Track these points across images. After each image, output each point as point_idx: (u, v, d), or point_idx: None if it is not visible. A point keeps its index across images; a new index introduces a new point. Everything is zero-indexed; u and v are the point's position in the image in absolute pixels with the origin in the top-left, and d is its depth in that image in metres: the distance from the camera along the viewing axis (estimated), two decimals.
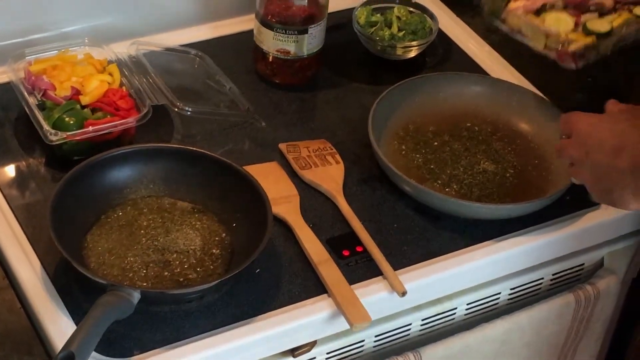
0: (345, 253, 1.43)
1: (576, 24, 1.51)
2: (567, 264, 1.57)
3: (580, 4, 1.52)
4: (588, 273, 1.61)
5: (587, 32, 1.50)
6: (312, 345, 1.40)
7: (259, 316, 1.34)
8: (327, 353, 1.43)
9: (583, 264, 1.59)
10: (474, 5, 1.68)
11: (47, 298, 1.33)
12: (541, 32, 1.50)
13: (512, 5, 1.55)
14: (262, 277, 1.39)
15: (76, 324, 1.28)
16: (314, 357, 1.42)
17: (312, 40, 1.67)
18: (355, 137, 1.60)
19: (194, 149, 1.48)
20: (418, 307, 1.47)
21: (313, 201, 1.51)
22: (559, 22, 1.52)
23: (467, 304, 1.51)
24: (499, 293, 1.53)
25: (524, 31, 1.53)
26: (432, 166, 1.56)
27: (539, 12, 1.53)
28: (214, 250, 1.40)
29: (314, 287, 1.38)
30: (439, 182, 1.54)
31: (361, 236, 1.45)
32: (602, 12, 1.52)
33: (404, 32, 1.76)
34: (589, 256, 1.59)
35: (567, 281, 1.60)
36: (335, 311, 1.36)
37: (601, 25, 1.51)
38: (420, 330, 1.50)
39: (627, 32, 1.51)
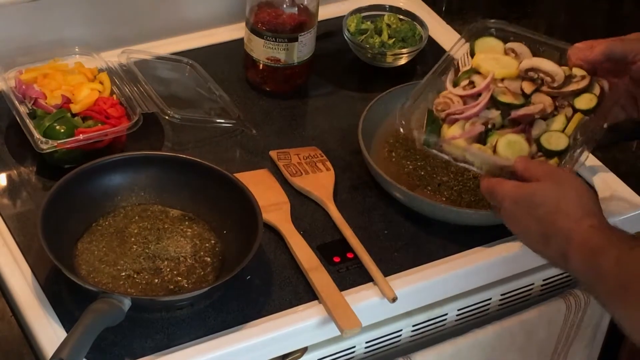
0: (336, 259, 1.43)
1: (527, 140, 1.40)
2: (557, 270, 1.57)
3: (524, 117, 1.42)
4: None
5: (545, 152, 1.40)
6: (303, 351, 1.40)
7: (250, 323, 1.34)
8: (318, 359, 1.43)
9: None
10: (463, 13, 1.69)
11: (38, 306, 1.33)
12: (496, 165, 1.37)
13: (447, 133, 1.42)
14: (252, 284, 1.39)
15: (67, 331, 1.28)
16: None
17: (302, 48, 1.67)
18: (346, 144, 1.61)
19: (185, 156, 1.48)
20: (409, 313, 1.47)
21: (304, 208, 1.51)
22: (513, 148, 1.39)
23: (458, 310, 1.52)
24: (490, 299, 1.54)
25: (469, 159, 1.40)
26: (422, 173, 1.57)
27: (480, 136, 1.42)
28: (205, 258, 1.40)
29: (305, 293, 1.39)
30: (429, 188, 1.54)
31: (352, 242, 1.45)
32: (545, 117, 1.43)
33: (394, 39, 1.77)
34: None
35: (558, 286, 1.60)
36: (325, 317, 1.36)
37: (558, 142, 1.40)
38: (411, 336, 1.50)
39: (586, 137, 1.42)
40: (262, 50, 1.66)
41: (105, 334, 1.26)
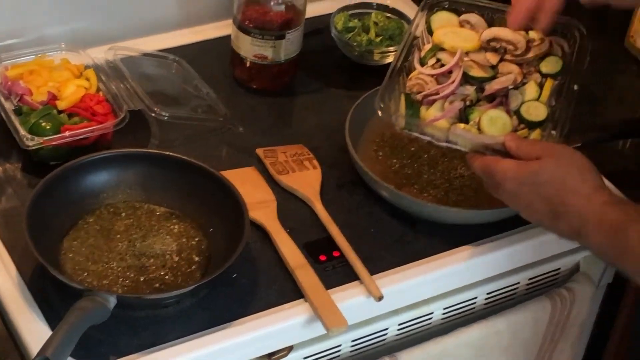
0: (322, 258, 1.43)
1: (507, 113, 1.42)
2: (543, 268, 1.58)
3: (499, 90, 1.43)
4: (564, 277, 1.62)
5: (527, 124, 1.41)
6: (288, 350, 1.40)
7: (236, 321, 1.34)
8: (304, 358, 1.43)
9: (559, 269, 1.60)
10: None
11: (23, 303, 1.33)
12: (481, 145, 1.37)
13: (427, 115, 1.43)
14: (238, 282, 1.39)
15: (52, 329, 1.28)
16: None
17: (289, 46, 1.67)
18: (333, 142, 1.61)
19: (171, 154, 1.48)
20: (395, 312, 1.47)
21: (290, 206, 1.51)
22: (496, 124, 1.40)
23: (444, 309, 1.52)
24: (476, 297, 1.54)
25: (452, 139, 1.39)
26: (409, 171, 1.57)
27: (461, 114, 1.42)
28: (191, 255, 1.40)
29: (291, 292, 1.38)
30: (416, 187, 1.54)
31: (338, 241, 1.45)
32: (517, 86, 1.44)
33: (381, 37, 1.77)
34: (565, 261, 1.59)
35: (544, 286, 1.60)
36: (312, 316, 1.36)
37: (537, 112, 1.41)
38: (397, 334, 1.50)
39: (562, 100, 1.44)
40: (249, 48, 1.66)
41: (90, 332, 1.25)
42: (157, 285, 1.35)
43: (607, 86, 1.86)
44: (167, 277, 1.37)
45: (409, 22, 1.79)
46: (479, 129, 1.40)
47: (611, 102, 1.84)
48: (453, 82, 1.43)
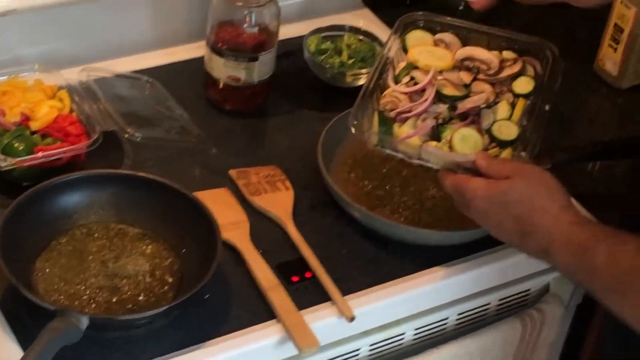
0: (295, 279, 1.44)
1: (479, 131, 1.44)
2: (514, 289, 1.59)
3: (471, 109, 1.45)
4: (534, 298, 1.63)
5: (499, 142, 1.43)
6: None
7: (208, 342, 1.34)
8: None
9: (529, 290, 1.61)
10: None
11: None
12: (453, 163, 1.38)
13: (399, 132, 1.44)
14: (211, 303, 1.39)
15: (24, 350, 1.27)
16: None
17: (262, 68, 1.68)
18: (305, 164, 1.61)
19: (144, 175, 1.48)
20: (367, 332, 1.47)
21: (263, 227, 1.51)
22: (467, 142, 1.42)
23: (415, 329, 1.52)
24: (447, 318, 1.55)
25: (424, 157, 1.40)
26: (381, 193, 1.58)
27: (433, 131, 1.44)
28: (164, 276, 1.40)
29: (263, 312, 1.39)
30: (388, 208, 1.55)
31: (310, 262, 1.45)
32: (489, 105, 1.46)
33: (353, 59, 1.78)
34: (535, 282, 1.61)
35: (514, 306, 1.62)
36: (284, 336, 1.36)
37: (509, 131, 1.43)
38: (369, 355, 1.51)
39: (533, 121, 1.45)
40: (222, 69, 1.67)
41: (63, 352, 1.25)
42: (129, 305, 1.35)
43: (577, 108, 1.88)
44: (139, 297, 1.37)
45: (381, 44, 1.80)
46: (450, 147, 1.42)
47: (581, 124, 1.86)
48: (426, 100, 1.45)
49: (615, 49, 1.88)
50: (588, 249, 1.25)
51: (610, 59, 1.90)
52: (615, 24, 1.87)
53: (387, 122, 1.45)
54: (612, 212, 1.60)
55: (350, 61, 1.78)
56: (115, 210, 1.46)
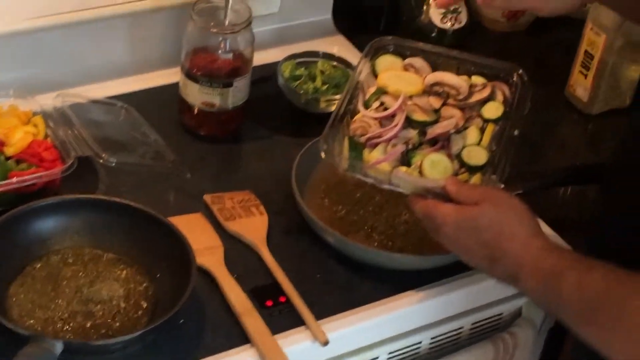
0: (269, 303, 1.44)
1: (449, 157, 1.44)
2: (486, 313, 1.60)
3: (441, 135, 1.46)
4: (506, 322, 1.64)
5: (468, 168, 1.43)
6: None
7: None
8: None
9: (502, 314, 1.62)
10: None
11: None
12: (423, 188, 1.38)
13: (369, 157, 1.44)
14: (186, 328, 1.39)
15: None
16: None
17: (237, 93, 1.69)
18: (279, 189, 1.62)
19: (119, 200, 1.49)
20: (340, 357, 1.48)
21: (237, 252, 1.52)
22: (437, 168, 1.42)
23: (389, 353, 1.53)
24: (420, 342, 1.55)
25: (394, 182, 1.40)
26: (354, 218, 1.59)
27: (403, 157, 1.44)
28: (138, 301, 1.40)
29: (238, 337, 1.39)
30: (362, 233, 1.56)
31: (284, 286, 1.46)
32: (459, 131, 1.47)
33: (327, 85, 1.79)
34: (507, 306, 1.62)
35: (487, 330, 1.62)
36: None
37: (478, 157, 1.44)
38: None
39: (503, 146, 1.45)
40: (197, 95, 1.68)
41: None
42: (104, 330, 1.36)
43: (548, 134, 1.90)
44: (114, 322, 1.37)
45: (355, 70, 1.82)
46: (420, 172, 1.42)
47: (552, 150, 1.88)
48: (396, 125, 1.45)
49: (586, 76, 1.91)
50: (556, 275, 1.25)
51: (580, 85, 1.92)
52: (586, 51, 1.90)
53: (357, 148, 1.45)
54: (582, 237, 1.61)
55: (324, 87, 1.79)
56: (90, 236, 1.47)
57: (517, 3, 1.48)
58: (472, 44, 1.65)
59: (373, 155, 1.44)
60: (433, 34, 2.01)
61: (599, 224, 1.51)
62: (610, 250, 1.40)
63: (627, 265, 1.22)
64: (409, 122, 1.47)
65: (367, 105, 1.50)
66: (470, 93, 1.50)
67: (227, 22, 1.66)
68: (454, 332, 1.58)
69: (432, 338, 1.56)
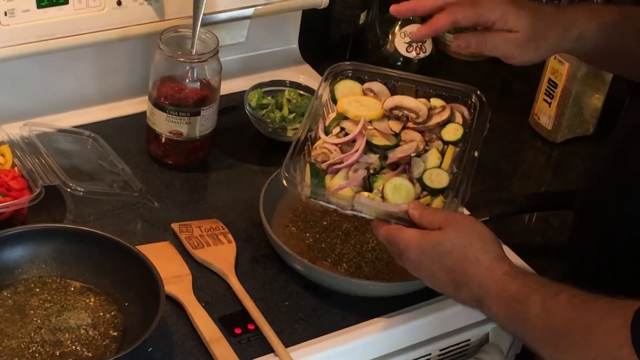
0: (237, 331, 1.44)
1: (410, 180, 1.43)
2: (454, 339, 1.60)
3: (402, 159, 1.46)
4: (474, 348, 1.64)
5: (430, 191, 1.43)
6: None
7: None
8: None
9: (469, 340, 1.63)
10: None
11: None
12: (386, 213, 1.39)
13: (331, 184, 1.44)
14: (154, 356, 1.39)
15: None
16: None
17: (204, 122, 1.69)
18: (247, 217, 1.63)
19: (87, 229, 1.49)
20: None
21: (205, 280, 1.52)
22: (399, 192, 1.42)
23: None
24: None
25: (357, 207, 1.40)
26: (322, 245, 1.59)
27: (365, 182, 1.44)
28: (107, 330, 1.40)
29: None
30: (329, 260, 1.57)
31: (253, 314, 1.46)
32: (419, 154, 1.46)
33: (294, 114, 1.80)
34: (475, 332, 1.62)
35: (454, 356, 1.63)
36: None
37: (440, 179, 1.44)
38: None
39: (463, 168, 1.45)
40: (164, 124, 1.68)
41: None
42: (73, 359, 1.35)
43: (513, 162, 1.92)
44: (82, 351, 1.36)
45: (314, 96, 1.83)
46: (383, 196, 1.42)
47: (517, 177, 1.90)
48: (357, 150, 1.45)
49: (550, 104, 1.93)
50: (521, 300, 1.25)
51: (544, 113, 1.95)
52: (549, 79, 1.92)
53: (319, 174, 1.45)
54: (549, 262, 1.62)
55: (291, 115, 1.80)
56: (58, 264, 1.46)
57: (490, 51, 1.50)
58: (437, 73, 1.66)
59: (335, 182, 1.44)
60: (398, 63, 2.03)
61: (573, 249, 1.52)
62: (585, 274, 1.42)
63: (602, 290, 1.22)
64: (370, 147, 1.47)
65: (327, 132, 1.50)
66: (430, 116, 1.50)
67: (194, 51, 1.67)
68: (423, 359, 1.59)
69: None
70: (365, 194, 1.42)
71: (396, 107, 1.49)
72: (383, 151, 1.47)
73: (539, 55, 1.51)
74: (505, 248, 1.61)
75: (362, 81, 1.56)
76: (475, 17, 1.48)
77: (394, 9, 1.50)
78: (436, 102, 1.53)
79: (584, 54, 1.56)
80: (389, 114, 1.50)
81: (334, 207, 1.42)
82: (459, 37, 1.50)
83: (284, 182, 1.42)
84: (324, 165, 1.45)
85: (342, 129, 1.49)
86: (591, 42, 1.50)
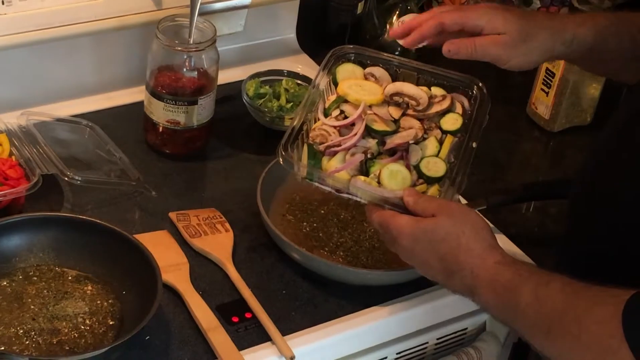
0: (235, 319, 1.45)
1: (407, 167, 1.43)
2: (451, 328, 1.61)
3: (400, 145, 1.45)
4: (471, 337, 1.65)
5: (426, 179, 1.43)
6: None
7: None
8: None
9: (466, 328, 1.63)
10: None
11: None
12: (380, 198, 1.38)
13: (328, 166, 1.43)
14: (152, 344, 1.40)
15: None
16: None
17: (201, 111, 1.69)
18: (245, 206, 1.63)
19: (84, 217, 1.49)
20: None
21: (203, 269, 1.52)
22: (396, 177, 1.41)
23: None
24: (386, 357, 1.56)
25: (352, 191, 1.40)
26: (319, 234, 1.60)
27: (362, 166, 1.43)
28: (104, 318, 1.40)
29: (204, 353, 1.40)
30: (327, 249, 1.57)
31: (250, 303, 1.47)
32: (418, 141, 1.46)
33: (291, 103, 1.80)
34: (472, 320, 1.63)
35: (452, 345, 1.64)
36: None
37: (436, 168, 1.43)
38: None
39: (460, 159, 1.45)
40: (162, 113, 1.68)
41: None
42: (70, 347, 1.35)
43: (511, 151, 1.92)
44: (80, 339, 1.37)
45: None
46: (379, 181, 1.42)
47: (514, 167, 1.90)
48: (355, 134, 1.45)
49: (547, 93, 1.93)
50: (513, 288, 1.25)
51: (542, 103, 1.95)
52: (547, 69, 1.92)
53: (316, 156, 1.45)
54: (546, 251, 1.63)
55: (289, 105, 1.80)
56: (56, 253, 1.47)
57: (480, 56, 1.50)
58: (435, 62, 1.66)
59: (331, 164, 1.44)
60: (396, 53, 2.03)
61: (561, 238, 1.52)
62: (579, 264, 1.42)
63: (596, 279, 1.22)
64: (369, 132, 1.47)
65: (326, 114, 1.49)
66: (430, 104, 1.50)
67: (191, 41, 1.67)
68: (419, 347, 1.59)
69: (397, 353, 1.57)
70: (362, 178, 1.42)
71: (397, 94, 1.49)
72: (381, 136, 1.46)
73: (531, 59, 1.50)
74: (502, 237, 1.63)
75: (364, 65, 1.56)
76: (462, 20, 1.48)
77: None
78: (437, 90, 1.53)
79: (579, 59, 1.55)
80: (389, 100, 1.50)
81: (329, 189, 1.42)
82: (449, 42, 1.49)
83: (280, 160, 1.41)
84: (321, 147, 1.45)
85: (342, 111, 1.49)
86: (587, 45, 1.49)
